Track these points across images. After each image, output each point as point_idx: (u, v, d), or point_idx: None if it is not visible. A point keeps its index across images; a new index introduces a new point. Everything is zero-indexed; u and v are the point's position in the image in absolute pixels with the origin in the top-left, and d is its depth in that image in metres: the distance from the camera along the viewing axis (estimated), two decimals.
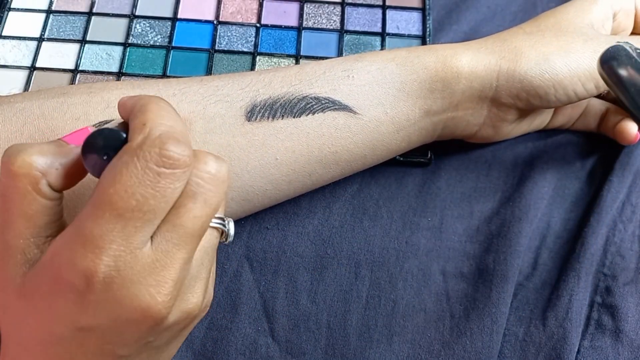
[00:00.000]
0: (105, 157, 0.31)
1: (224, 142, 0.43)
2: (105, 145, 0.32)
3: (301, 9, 0.58)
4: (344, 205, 0.50)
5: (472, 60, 0.45)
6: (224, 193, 0.33)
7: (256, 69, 0.55)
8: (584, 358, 0.46)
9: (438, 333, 0.46)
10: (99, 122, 0.33)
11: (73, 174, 0.33)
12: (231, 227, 0.35)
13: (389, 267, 0.48)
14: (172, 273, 0.31)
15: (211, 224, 0.34)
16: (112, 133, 0.32)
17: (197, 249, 0.33)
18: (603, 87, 0.45)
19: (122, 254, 0.30)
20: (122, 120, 0.34)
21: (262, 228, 0.49)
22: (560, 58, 0.45)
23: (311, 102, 0.44)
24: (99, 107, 0.42)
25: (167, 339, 0.34)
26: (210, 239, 0.34)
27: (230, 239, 0.35)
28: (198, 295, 0.33)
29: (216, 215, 0.34)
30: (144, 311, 0.30)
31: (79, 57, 0.55)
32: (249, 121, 0.43)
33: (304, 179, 0.45)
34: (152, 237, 0.31)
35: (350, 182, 0.51)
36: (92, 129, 0.33)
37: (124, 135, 0.32)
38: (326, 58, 0.49)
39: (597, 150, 0.53)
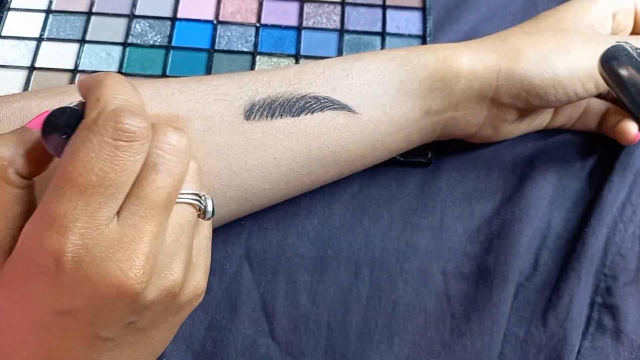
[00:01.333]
0: (64, 137, 0.31)
1: (222, 141, 0.43)
2: (63, 125, 0.32)
3: (301, 9, 0.58)
4: (344, 205, 0.50)
5: (472, 60, 0.45)
6: (187, 164, 0.33)
7: (256, 69, 0.55)
8: (584, 358, 0.46)
9: (438, 333, 0.46)
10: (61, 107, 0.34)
11: (39, 159, 0.33)
12: (209, 204, 0.35)
13: (389, 267, 0.48)
14: (142, 247, 0.31)
15: (184, 200, 0.34)
16: (69, 111, 0.32)
17: (170, 225, 0.33)
18: (603, 87, 0.45)
19: (87, 231, 0.30)
20: (82, 100, 0.34)
21: (262, 228, 0.49)
22: (560, 58, 0.45)
23: (310, 102, 0.44)
24: None
25: (151, 320, 0.34)
26: (184, 215, 0.34)
27: (209, 215, 0.35)
28: (177, 273, 0.33)
29: (190, 191, 0.34)
30: (117, 288, 0.30)
31: (78, 57, 0.55)
32: (247, 120, 0.43)
33: (303, 179, 0.45)
34: (118, 212, 0.31)
35: (350, 182, 0.50)
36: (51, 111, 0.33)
37: (81, 112, 0.32)
38: (326, 58, 0.49)
39: (598, 150, 0.53)
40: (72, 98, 0.42)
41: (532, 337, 0.46)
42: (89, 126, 0.30)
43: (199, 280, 0.35)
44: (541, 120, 0.51)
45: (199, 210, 0.35)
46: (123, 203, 0.31)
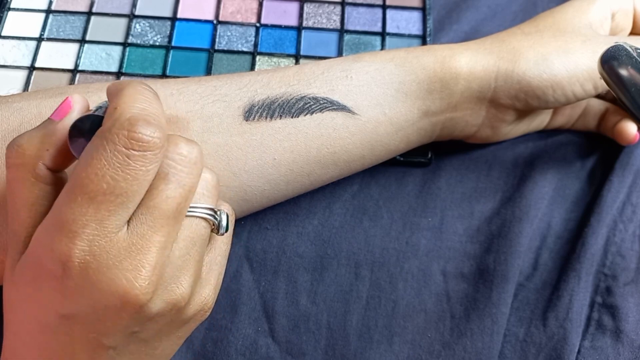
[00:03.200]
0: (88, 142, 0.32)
1: (221, 142, 0.43)
2: (87, 130, 0.32)
3: (301, 9, 0.58)
4: (344, 205, 0.50)
5: (471, 61, 0.45)
6: (198, 175, 0.33)
7: (256, 69, 0.55)
8: (584, 358, 0.46)
9: (438, 333, 0.46)
10: (96, 107, 0.34)
11: (66, 152, 0.33)
12: (223, 219, 0.35)
13: (389, 267, 0.48)
14: (149, 257, 0.31)
15: (197, 213, 0.33)
16: (92, 118, 0.32)
17: (181, 238, 0.33)
18: (601, 87, 0.45)
19: (96, 237, 0.30)
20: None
21: (262, 228, 0.49)
22: (559, 58, 0.45)
23: (309, 102, 0.44)
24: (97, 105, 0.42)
25: (154, 331, 0.34)
26: (196, 229, 0.34)
27: (223, 230, 0.35)
28: (184, 287, 0.33)
29: (203, 205, 0.34)
30: (121, 297, 0.30)
31: (78, 57, 0.55)
32: (246, 121, 0.43)
33: (303, 179, 0.45)
34: (128, 221, 0.31)
35: (350, 182, 0.50)
36: (71, 99, 0.34)
37: (101, 117, 0.32)
38: (326, 58, 0.49)
39: (598, 150, 0.53)
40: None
41: (532, 337, 0.46)
42: (104, 134, 0.30)
43: (206, 296, 0.35)
44: (540, 120, 0.51)
45: (213, 225, 0.35)
46: (134, 212, 0.31)
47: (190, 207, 0.33)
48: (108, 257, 0.30)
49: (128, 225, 0.31)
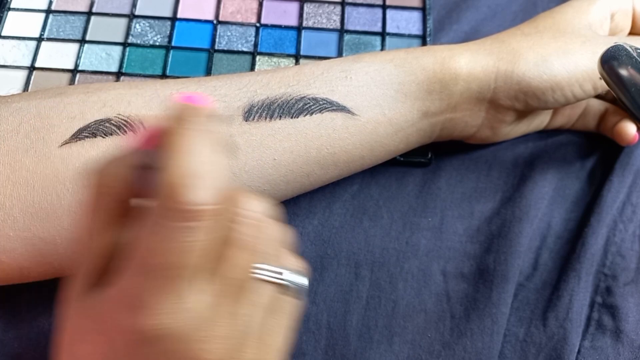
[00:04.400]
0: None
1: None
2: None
3: (301, 9, 0.58)
4: (344, 205, 0.50)
5: (470, 62, 0.45)
6: (271, 238, 0.31)
7: (256, 69, 0.55)
8: (584, 358, 0.46)
9: (438, 333, 0.46)
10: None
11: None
12: (295, 279, 0.33)
13: (389, 267, 0.48)
14: (222, 328, 0.30)
15: (262, 276, 0.32)
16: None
17: (246, 303, 0.31)
18: (601, 88, 0.45)
19: (168, 312, 0.28)
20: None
21: None
22: (559, 59, 0.45)
23: (309, 103, 0.44)
24: (96, 106, 0.42)
25: None
26: (262, 293, 0.32)
27: (294, 294, 0.33)
28: (248, 356, 0.31)
29: (271, 268, 0.32)
30: None
31: (78, 57, 0.55)
32: (246, 121, 0.43)
33: (302, 180, 0.45)
34: (202, 288, 0.29)
35: (350, 182, 0.50)
36: (154, 129, 0.31)
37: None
38: (326, 58, 0.49)
39: (598, 150, 0.53)
40: (70, 99, 0.42)
41: (532, 337, 0.46)
42: (157, 208, 0.28)
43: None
44: (540, 121, 0.51)
45: (280, 287, 0.33)
46: (208, 280, 0.29)
47: (256, 268, 0.32)
48: (181, 327, 0.29)
49: (195, 294, 0.29)
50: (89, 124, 0.41)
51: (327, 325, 0.46)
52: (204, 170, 0.28)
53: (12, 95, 0.45)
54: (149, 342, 0.29)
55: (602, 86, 0.45)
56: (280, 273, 0.32)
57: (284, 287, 0.33)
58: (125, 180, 0.30)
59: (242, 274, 0.30)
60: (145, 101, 0.43)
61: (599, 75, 0.42)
